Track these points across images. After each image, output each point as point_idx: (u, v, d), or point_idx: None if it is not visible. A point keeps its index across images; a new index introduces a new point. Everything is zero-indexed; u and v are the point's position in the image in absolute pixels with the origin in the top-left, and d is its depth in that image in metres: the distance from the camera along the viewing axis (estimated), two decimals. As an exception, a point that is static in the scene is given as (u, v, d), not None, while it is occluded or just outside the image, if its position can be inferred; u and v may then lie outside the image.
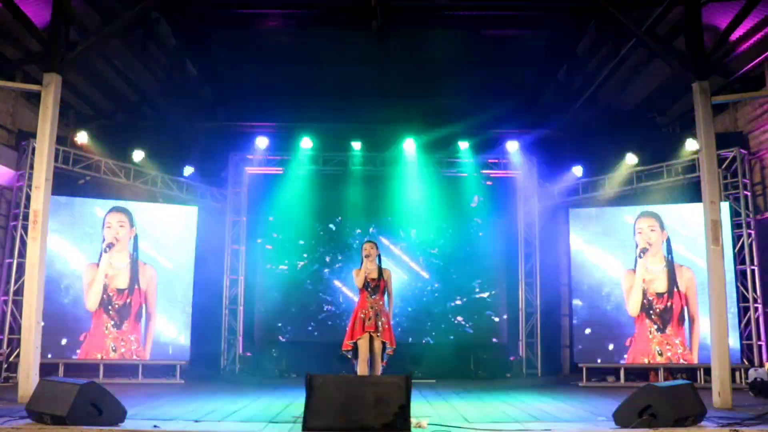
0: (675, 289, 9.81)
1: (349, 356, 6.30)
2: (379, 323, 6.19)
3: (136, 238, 10.02)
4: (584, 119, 11.33)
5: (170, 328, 9.99)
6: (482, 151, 11.62)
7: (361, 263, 6.39)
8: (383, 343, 6.20)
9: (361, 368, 6.14)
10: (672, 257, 9.88)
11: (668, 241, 9.95)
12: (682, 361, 9.61)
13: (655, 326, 9.80)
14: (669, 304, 9.80)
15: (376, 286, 6.29)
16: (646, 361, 9.79)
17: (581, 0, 8.42)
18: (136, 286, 9.91)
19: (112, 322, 9.70)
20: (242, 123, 11.63)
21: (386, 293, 6.36)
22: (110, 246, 9.79)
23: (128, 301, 9.81)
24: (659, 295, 9.86)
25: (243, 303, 11.65)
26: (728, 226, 9.29)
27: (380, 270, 6.36)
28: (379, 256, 6.42)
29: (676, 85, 9.67)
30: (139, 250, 10.01)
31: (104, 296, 9.71)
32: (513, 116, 11.59)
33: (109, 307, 9.71)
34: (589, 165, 11.10)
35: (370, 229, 11.88)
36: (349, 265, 11.64)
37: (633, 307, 9.98)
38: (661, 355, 9.71)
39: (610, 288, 10.22)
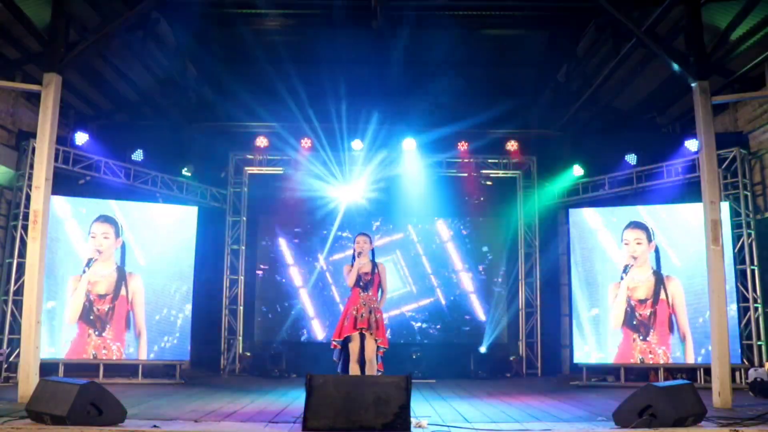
0: (662, 298, 9.65)
1: (335, 358, 5.94)
2: (372, 320, 5.88)
3: (123, 247, 9.78)
4: (584, 119, 11.33)
5: (170, 329, 9.96)
6: (482, 151, 11.63)
7: (354, 258, 6.07)
8: (376, 341, 5.88)
9: (353, 369, 5.84)
10: (660, 268, 9.76)
11: (657, 251, 9.83)
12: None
13: (638, 334, 9.70)
14: (652, 311, 9.67)
15: (370, 280, 5.98)
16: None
17: (581, 0, 8.42)
18: (122, 294, 9.65)
19: (94, 329, 9.45)
20: (242, 123, 11.63)
21: (380, 288, 6.03)
22: (90, 261, 9.54)
23: (111, 306, 9.58)
24: (641, 301, 9.75)
25: (243, 303, 11.66)
26: (728, 226, 9.28)
27: (374, 264, 6.05)
28: (373, 250, 6.11)
29: (676, 85, 9.65)
30: (126, 260, 9.76)
31: (85, 303, 9.47)
32: (513, 116, 11.59)
33: (90, 315, 9.47)
34: (589, 165, 11.10)
35: (373, 229, 11.88)
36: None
37: (615, 320, 9.86)
38: (642, 363, 9.63)
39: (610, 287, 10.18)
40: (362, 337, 5.87)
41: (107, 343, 9.51)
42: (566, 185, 11.44)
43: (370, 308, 5.92)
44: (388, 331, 6.74)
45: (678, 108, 10.87)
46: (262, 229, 11.99)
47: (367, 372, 5.82)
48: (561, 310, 11.65)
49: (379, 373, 5.90)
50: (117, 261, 9.76)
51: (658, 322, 9.65)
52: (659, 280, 9.76)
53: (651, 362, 9.58)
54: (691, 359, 9.42)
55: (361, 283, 5.98)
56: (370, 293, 5.99)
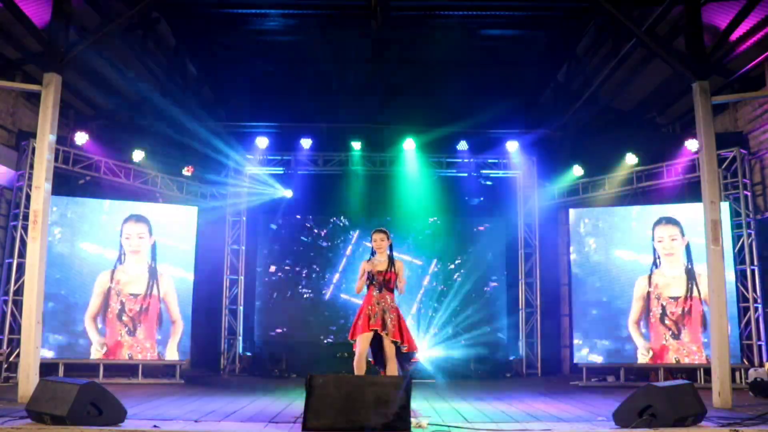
0: (694, 294, 9.44)
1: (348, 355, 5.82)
2: (388, 320, 5.60)
3: (154, 245, 9.87)
4: (584, 119, 11.32)
5: (170, 329, 9.95)
6: (482, 151, 11.64)
7: (371, 255, 5.80)
8: (395, 343, 5.62)
9: (357, 366, 5.61)
10: (692, 263, 9.55)
11: (688, 246, 9.62)
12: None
13: (670, 332, 9.51)
14: (685, 308, 9.45)
15: (385, 279, 5.70)
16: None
17: (581, 0, 8.42)
18: (154, 293, 9.71)
19: (126, 329, 9.51)
20: (242, 123, 11.64)
21: (395, 287, 5.75)
22: (121, 260, 9.62)
23: (143, 306, 9.62)
24: (673, 299, 9.57)
25: (243, 303, 11.67)
26: (728, 226, 9.27)
27: (390, 262, 5.73)
28: (391, 246, 5.78)
29: (676, 85, 9.68)
30: (157, 257, 9.85)
31: (117, 303, 9.53)
32: (513, 116, 11.59)
33: (123, 315, 9.53)
34: (589, 165, 11.10)
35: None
36: (350, 266, 11.65)
37: (636, 317, 9.70)
38: (677, 362, 9.43)
39: (610, 287, 10.17)
40: (379, 337, 5.66)
41: (141, 343, 9.57)
42: (566, 185, 11.45)
43: (383, 309, 5.66)
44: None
45: (678, 108, 10.87)
46: (261, 229, 11.98)
47: (388, 371, 5.61)
48: (561, 310, 11.66)
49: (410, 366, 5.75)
50: (149, 260, 9.82)
51: (691, 320, 9.44)
52: (691, 277, 9.56)
53: (688, 362, 9.37)
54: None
55: (375, 282, 5.70)
56: (384, 293, 5.72)
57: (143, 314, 9.65)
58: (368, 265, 5.74)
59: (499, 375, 10.91)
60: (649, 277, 9.81)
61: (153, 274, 9.81)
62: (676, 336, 9.54)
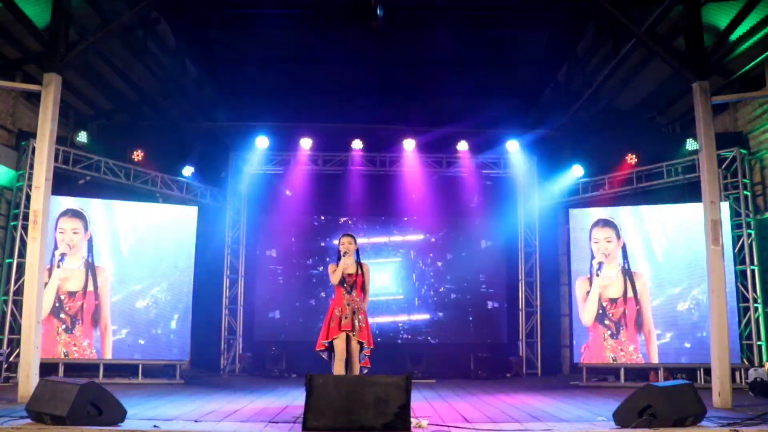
0: (630, 295, 9.79)
1: (324, 356, 6.03)
2: (356, 321, 5.91)
3: (90, 240, 9.68)
4: (584, 119, 11.32)
5: (169, 329, 9.96)
6: (482, 151, 11.65)
7: (338, 258, 6.07)
8: (360, 344, 5.92)
9: (338, 368, 5.86)
10: (628, 264, 9.87)
11: (624, 247, 9.93)
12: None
13: (609, 332, 9.80)
14: (623, 309, 9.78)
15: (354, 281, 5.99)
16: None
17: (581, 0, 8.42)
18: (90, 289, 9.54)
19: (63, 326, 9.34)
20: (242, 123, 11.63)
21: (363, 289, 6.05)
22: (63, 256, 9.42)
23: (81, 304, 9.46)
24: (612, 300, 9.85)
25: (243, 303, 11.67)
26: (728, 226, 9.29)
27: (358, 265, 6.04)
28: (357, 250, 6.09)
29: (676, 85, 9.67)
30: (94, 252, 9.65)
31: (55, 300, 9.35)
32: (513, 116, 11.60)
33: (61, 312, 9.36)
34: (589, 165, 11.10)
35: (375, 229, 11.88)
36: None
37: (588, 316, 9.96)
38: (615, 361, 9.76)
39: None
40: (347, 338, 5.93)
41: (78, 340, 9.42)
42: (566, 185, 11.45)
43: (353, 309, 5.94)
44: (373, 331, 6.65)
45: (678, 108, 10.87)
46: (261, 228, 11.99)
47: (354, 370, 5.91)
48: (561, 310, 11.66)
49: (366, 371, 6.03)
50: (84, 255, 9.65)
51: (628, 320, 9.76)
52: (628, 277, 9.86)
53: (623, 360, 9.69)
54: (654, 357, 9.57)
55: (345, 284, 5.99)
56: (354, 294, 6.00)
57: (80, 312, 9.47)
58: (340, 266, 6.00)
59: (499, 375, 10.91)
60: (589, 279, 10.05)
61: (90, 269, 9.63)
62: (615, 336, 9.77)
